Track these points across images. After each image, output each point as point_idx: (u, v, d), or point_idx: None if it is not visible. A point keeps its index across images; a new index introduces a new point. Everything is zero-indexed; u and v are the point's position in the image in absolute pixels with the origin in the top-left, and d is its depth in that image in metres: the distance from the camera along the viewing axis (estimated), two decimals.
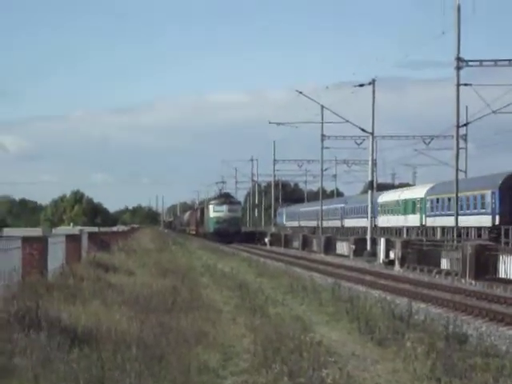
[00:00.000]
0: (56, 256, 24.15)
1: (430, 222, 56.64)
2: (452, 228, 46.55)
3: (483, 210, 48.61)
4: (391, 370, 12.56)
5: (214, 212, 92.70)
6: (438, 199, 56.76)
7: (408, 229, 59.36)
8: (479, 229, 47.81)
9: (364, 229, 63.44)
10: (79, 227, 40.28)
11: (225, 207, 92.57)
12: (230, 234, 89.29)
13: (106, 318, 14.51)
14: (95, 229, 45.73)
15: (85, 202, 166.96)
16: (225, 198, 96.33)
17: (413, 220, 59.60)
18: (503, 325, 20.16)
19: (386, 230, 65.75)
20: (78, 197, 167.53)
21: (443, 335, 15.44)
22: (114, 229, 60.81)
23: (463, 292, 28.34)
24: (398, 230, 63.12)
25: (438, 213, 56.02)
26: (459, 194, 46.65)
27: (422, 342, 14.20)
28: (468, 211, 49.86)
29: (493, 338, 17.72)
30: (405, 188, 72.77)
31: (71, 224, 66.14)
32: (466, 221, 48.40)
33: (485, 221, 47.69)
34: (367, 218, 57.66)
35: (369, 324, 16.34)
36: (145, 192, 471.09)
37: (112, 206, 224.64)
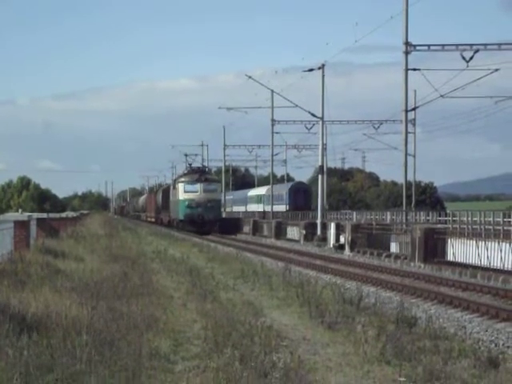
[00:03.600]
0: (4, 242, 23.86)
1: (267, 208, 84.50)
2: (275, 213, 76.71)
3: (282, 202, 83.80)
4: (342, 354, 12.64)
5: (186, 193, 71.80)
6: (269, 195, 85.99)
7: (259, 213, 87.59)
8: (281, 212, 78.53)
9: (243, 213, 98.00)
10: (28, 213, 39.82)
11: (199, 186, 71.85)
12: (206, 221, 70.65)
13: (55, 305, 14.37)
14: (44, 215, 45.24)
15: (32, 187, 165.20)
16: (199, 175, 73.77)
17: (261, 207, 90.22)
18: (451, 307, 20.42)
19: (252, 214, 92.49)
20: (24, 183, 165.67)
21: (393, 318, 15.59)
22: (63, 215, 60.16)
23: (412, 275, 28.65)
24: (256, 213, 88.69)
25: (268, 203, 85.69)
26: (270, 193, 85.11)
27: (372, 326, 14.33)
28: (276, 202, 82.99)
29: (441, 320, 17.96)
30: (260, 187, 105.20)
31: (20, 210, 65.33)
32: (275, 208, 79.38)
33: (283, 208, 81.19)
34: (244, 206, 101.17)
35: (319, 308, 16.43)
36: (94, 178, 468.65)
37: (61, 192, 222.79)
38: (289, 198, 77.13)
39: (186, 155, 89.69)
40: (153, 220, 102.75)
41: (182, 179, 74.69)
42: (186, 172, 79.54)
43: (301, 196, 79.46)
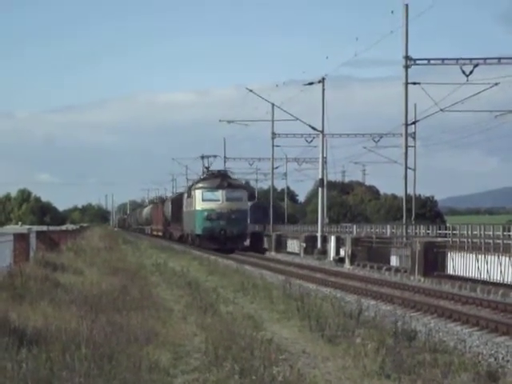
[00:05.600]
0: (3, 255, 23.83)
1: None
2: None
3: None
4: (341, 367, 12.62)
5: (204, 202, 59.37)
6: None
7: None
8: None
9: None
10: (27, 226, 39.81)
11: (221, 193, 59.47)
12: (229, 237, 58.41)
13: (54, 318, 14.36)
14: (44, 228, 45.23)
15: (32, 200, 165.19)
16: (221, 179, 60.75)
17: None
18: (451, 321, 20.39)
19: None
20: (24, 195, 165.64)
21: (392, 332, 15.57)
22: (63, 228, 60.14)
23: (412, 289, 28.61)
24: None
25: None
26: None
27: (371, 339, 14.31)
28: None
29: (441, 334, 17.93)
30: None
31: (19, 223, 65.32)
32: None
33: None
34: None
35: (319, 321, 16.41)
36: (94, 191, 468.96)
37: (61, 204, 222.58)
38: (250, 214, 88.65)
39: (202, 157, 72.28)
40: (160, 234, 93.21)
41: (200, 185, 61.66)
42: (204, 177, 65.51)
43: (259, 212, 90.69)
